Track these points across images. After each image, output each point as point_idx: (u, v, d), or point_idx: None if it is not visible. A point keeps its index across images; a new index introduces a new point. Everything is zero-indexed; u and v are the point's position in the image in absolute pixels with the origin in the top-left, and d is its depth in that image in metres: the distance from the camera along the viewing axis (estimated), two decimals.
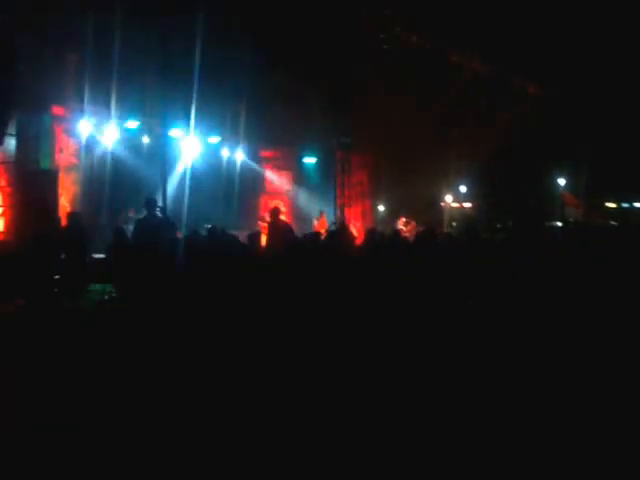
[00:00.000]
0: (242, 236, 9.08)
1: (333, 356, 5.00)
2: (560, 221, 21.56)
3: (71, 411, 4.29)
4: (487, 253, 7.51)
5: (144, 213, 9.95)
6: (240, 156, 19.19)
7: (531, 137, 21.39)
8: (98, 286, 8.56)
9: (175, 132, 16.36)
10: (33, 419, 4.17)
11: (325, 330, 5.30)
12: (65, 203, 13.54)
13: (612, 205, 25.84)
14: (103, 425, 4.11)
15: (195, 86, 14.75)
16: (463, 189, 23.33)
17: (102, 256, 10.12)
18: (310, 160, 20.41)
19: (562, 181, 23.18)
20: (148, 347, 5.31)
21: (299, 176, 20.65)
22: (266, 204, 19.47)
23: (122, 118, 15.42)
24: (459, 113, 20.08)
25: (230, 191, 18.84)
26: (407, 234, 15.45)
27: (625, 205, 26.04)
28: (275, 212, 10.95)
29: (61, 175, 13.06)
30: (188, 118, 15.98)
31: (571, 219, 21.62)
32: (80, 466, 3.67)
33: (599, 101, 20.96)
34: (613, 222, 19.38)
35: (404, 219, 18.66)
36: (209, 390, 4.59)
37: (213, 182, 18.06)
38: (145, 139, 16.25)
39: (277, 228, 10.28)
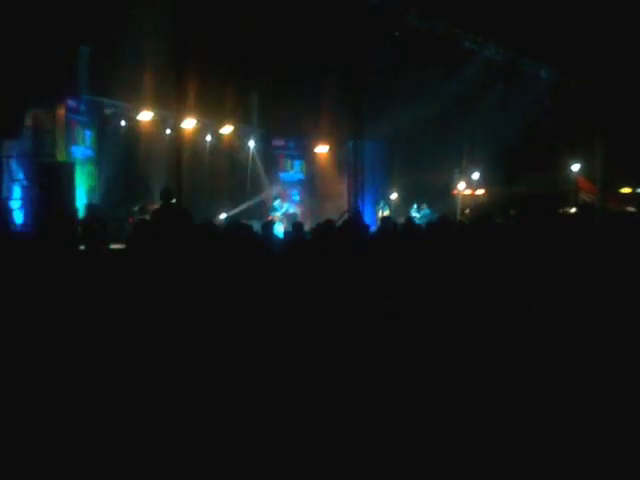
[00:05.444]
0: (256, 226, 9.22)
1: (345, 348, 5.00)
2: (575, 206, 21.41)
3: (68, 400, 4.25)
4: (501, 239, 7.50)
5: (160, 204, 10.03)
6: (253, 146, 19.26)
7: (545, 122, 21.26)
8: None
9: (188, 122, 16.44)
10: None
11: (335, 320, 5.30)
12: (82, 195, 13.70)
13: (627, 190, 25.60)
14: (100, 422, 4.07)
15: (208, 75, 14.78)
16: (476, 176, 23.20)
17: (120, 247, 10.22)
18: (323, 149, 20.43)
19: (576, 166, 22.98)
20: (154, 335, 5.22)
21: (312, 165, 20.71)
22: (279, 194, 19.58)
23: (136, 110, 15.56)
24: (472, 99, 19.98)
25: (243, 181, 18.92)
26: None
27: None
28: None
29: (77, 168, 13.21)
30: (202, 108, 16.04)
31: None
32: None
33: (614, 85, 20.77)
34: (631, 208, 19.19)
35: (425, 206, 18.68)
36: (212, 384, 4.54)
37: (226, 172, 18.16)
38: (166, 130, 16.38)
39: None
